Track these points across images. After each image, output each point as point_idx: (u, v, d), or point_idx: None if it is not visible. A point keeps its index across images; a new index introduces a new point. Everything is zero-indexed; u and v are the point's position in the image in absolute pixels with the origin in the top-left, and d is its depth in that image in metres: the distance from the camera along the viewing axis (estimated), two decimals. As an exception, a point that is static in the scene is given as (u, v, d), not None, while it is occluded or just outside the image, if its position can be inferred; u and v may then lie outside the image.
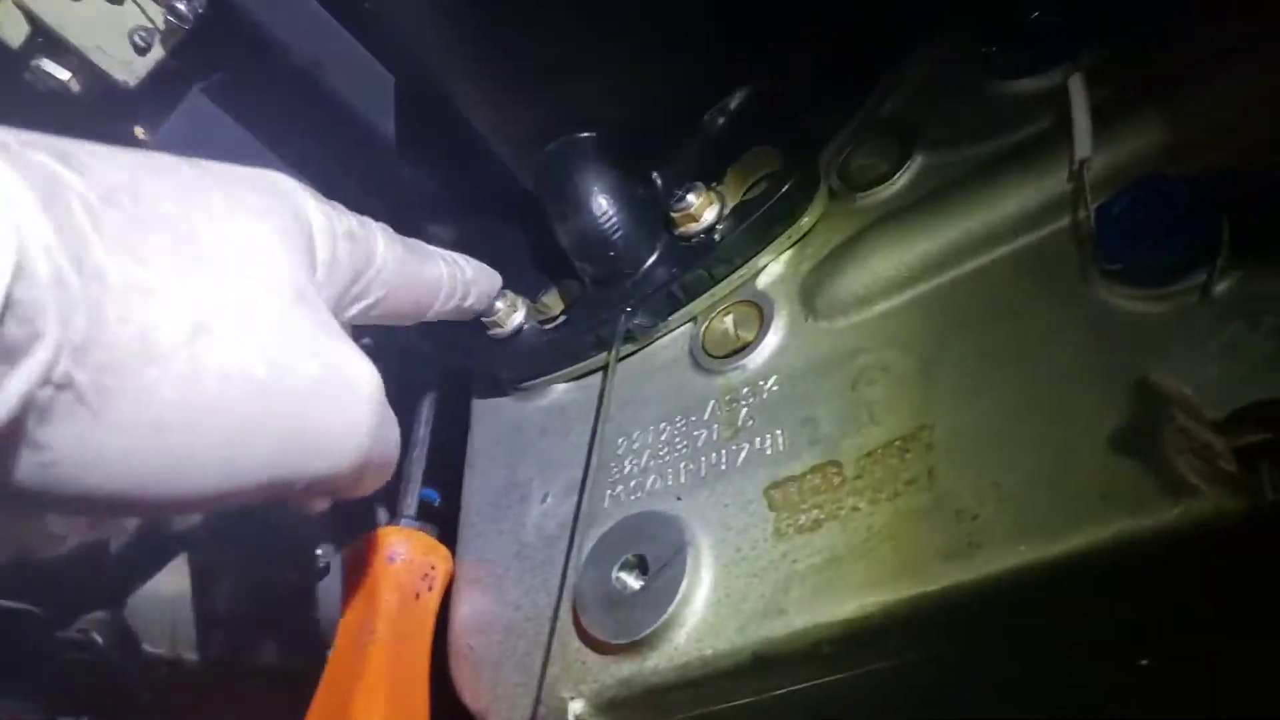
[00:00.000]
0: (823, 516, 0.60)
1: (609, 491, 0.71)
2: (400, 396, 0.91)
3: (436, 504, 1.01)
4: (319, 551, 1.06)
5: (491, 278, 0.78)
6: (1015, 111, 0.67)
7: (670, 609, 0.60)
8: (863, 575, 0.56)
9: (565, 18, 0.71)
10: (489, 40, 0.71)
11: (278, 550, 1.05)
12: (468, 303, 0.75)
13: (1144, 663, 0.55)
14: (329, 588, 1.07)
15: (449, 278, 0.72)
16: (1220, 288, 0.51)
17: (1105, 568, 0.49)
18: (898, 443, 0.59)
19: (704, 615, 0.60)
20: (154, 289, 0.44)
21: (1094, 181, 0.59)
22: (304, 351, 0.51)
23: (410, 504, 0.82)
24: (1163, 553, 0.48)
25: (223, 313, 0.47)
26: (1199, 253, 0.52)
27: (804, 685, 0.59)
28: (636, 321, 0.77)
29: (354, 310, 0.62)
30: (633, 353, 0.79)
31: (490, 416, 0.86)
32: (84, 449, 0.42)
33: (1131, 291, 0.54)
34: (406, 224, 0.91)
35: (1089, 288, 0.56)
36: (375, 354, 1.02)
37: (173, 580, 1.00)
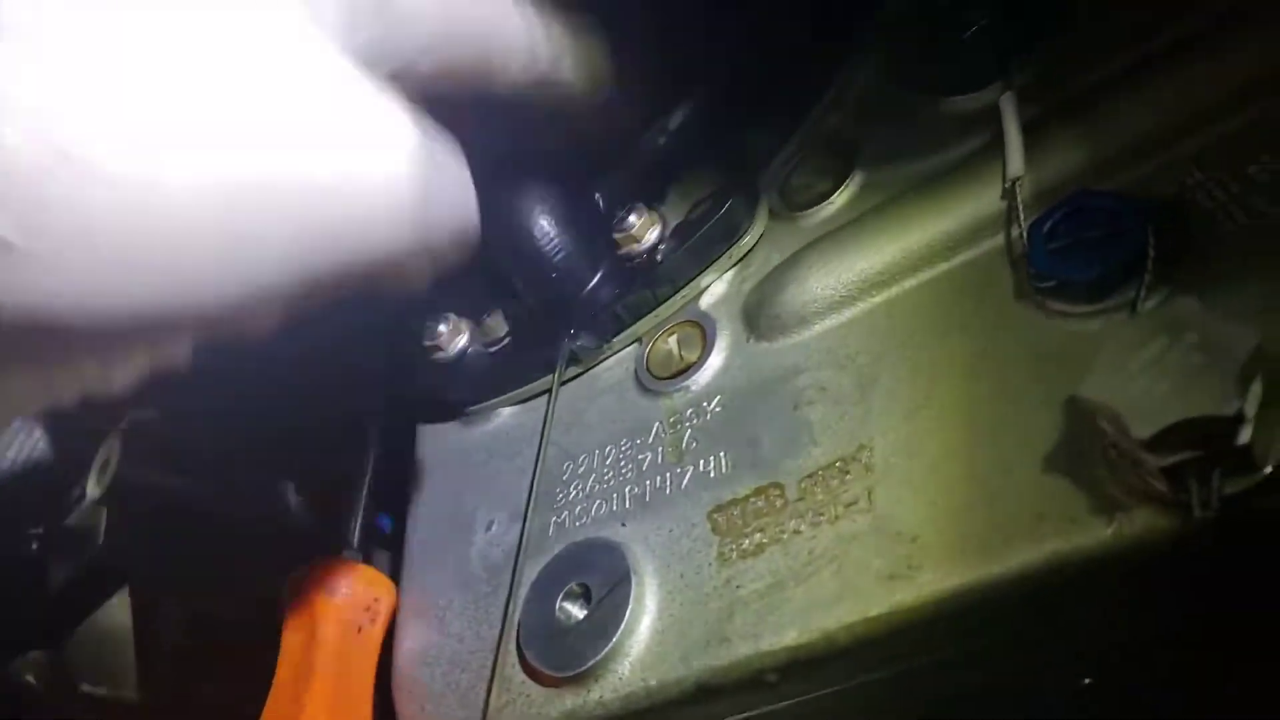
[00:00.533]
0: (765, 540, 0.59)
1: (554, 519, 0.70)
2: (346, 422, 0.91)
3: (388, 531, 0.99)
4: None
5: (595, 56, 0.60)
6: (951, 129, 0.68)
7: (614, 639, 0.59)
8: (804, 600, 0.55)
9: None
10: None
11: (222, 580, 1.03)
12: (558, 74, 0.57)
13: (1087, 681, 0.55)
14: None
15: (525, 33, 0.55)
16: (1150, 304, 0.52)
17: (1043, 587, 0.49)
18: (838, 464, 0.59)
19: (649, 644, 0.59)
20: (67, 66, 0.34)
21: (1026, 199, 0.59)
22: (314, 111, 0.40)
23: (354, 534, 0.80)
24: (1098, 571, 0.48)
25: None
26: (1126, 268, 0.52)
27: (751, 713, 0.58)
28: (580, 343, 0.77)
29: (389, 65, 0.47)
30: (578, 375, 0.79)
31: (435, 441, 0.85)
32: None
33: (1065, 307, 0.54)
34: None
35: (1025, 305, 0.57)
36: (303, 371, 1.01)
37: (112, 615, 0.97)
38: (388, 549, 0.98)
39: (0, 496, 1.08)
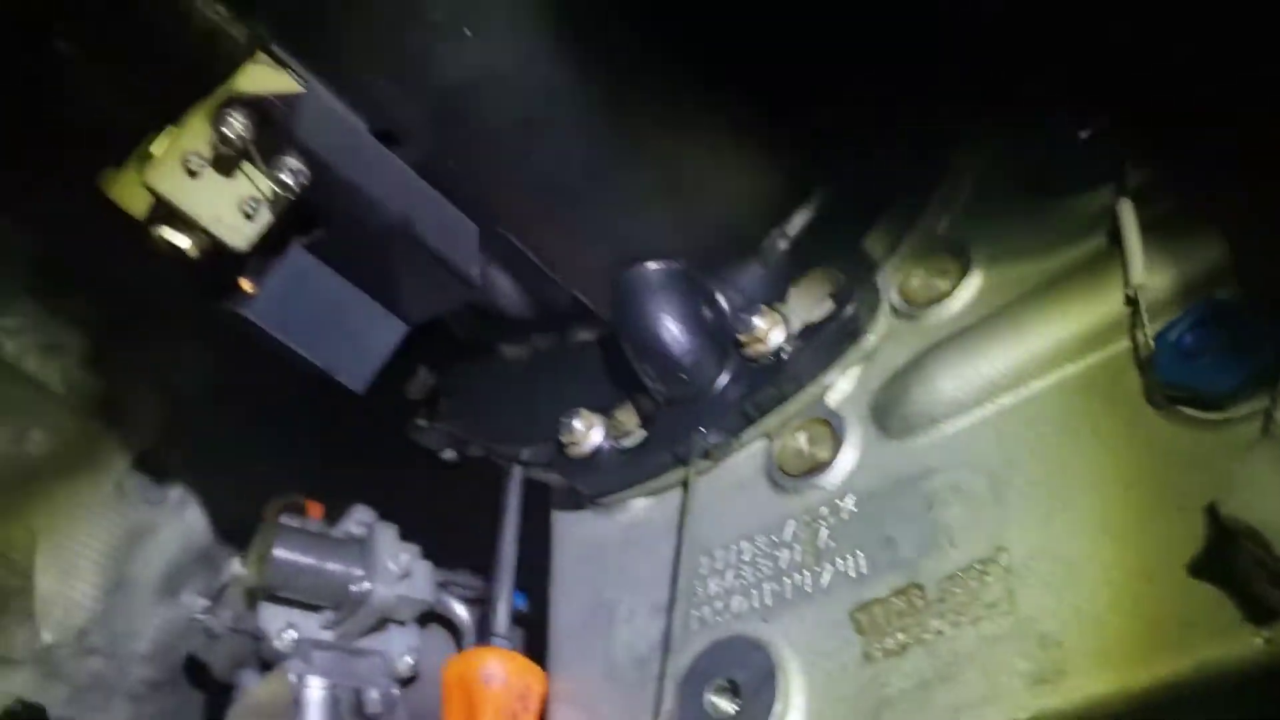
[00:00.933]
0: (908, 640, 0.62)
1: (694, 612, 0.74)
2: (484, 513, 0.97)
3: (524, 609, 1.05)
4: (410, 660, 1.11)
5: None
6: (1067, 230, 0.70)
7: (765, 734, 0.63)
8: (951, 701, 0.58)
9: (635, 166, 0.76)
10: (567, 192, 0.77)
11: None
12: None
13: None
14: (416, 693, 1.12)
15: None
16: (1284, 411, 0.53)
17: (1192, 695, 0.51)
18: (976, 565, 0.61)
19: (798, 739, 0.63)
20: None
21: (1150, 304, 0.61)
22: None
23: (502, 622, 0.86)
24: (1251, 681, 0.49)
25: None
26: (1257, 377, 0.54)
27: (900, 808, 0.60)
28: (710, 440, 0.81)
29: None
30: (709, 469, 0.83)
31: (572, 531, 0.90)
32: None
33: (1195, 414, 0.57)
34: (485, 346, 0.97)
35: (1155, 410, 0.59)
36: (458, 470, 1.08)
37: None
38: (522, 625, 1.04)
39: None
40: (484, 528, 0.99)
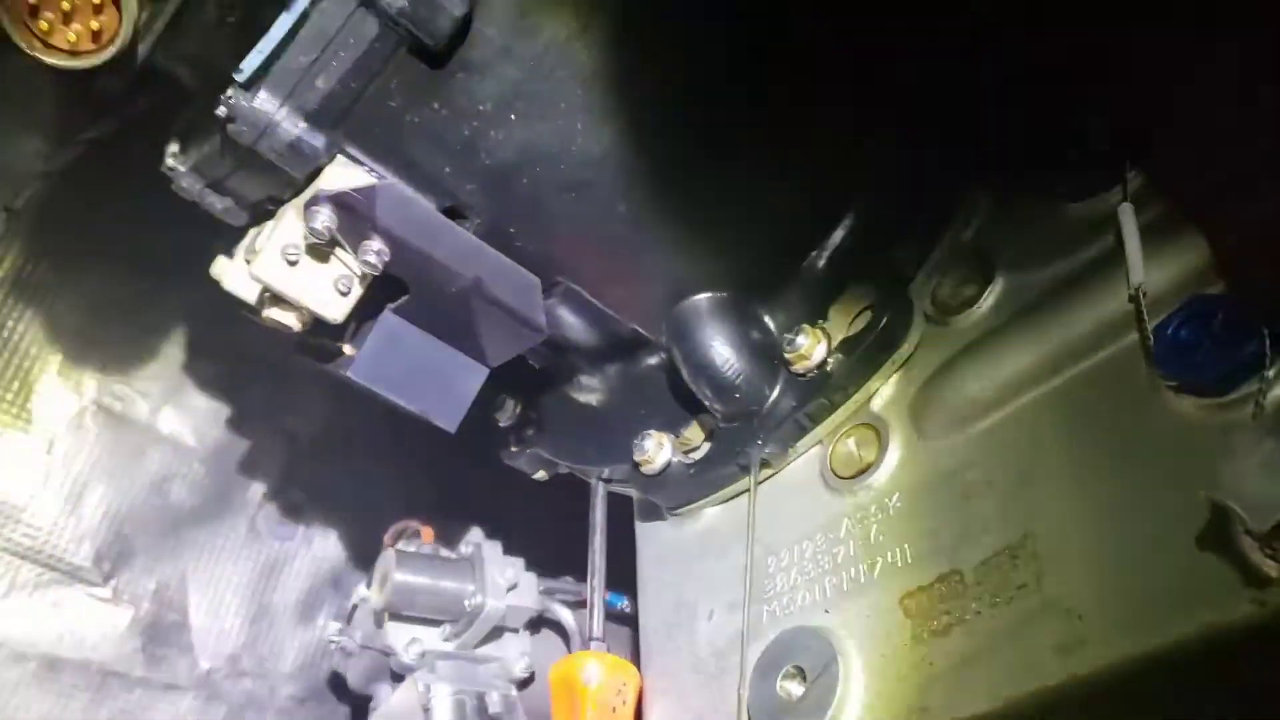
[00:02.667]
0: (951, 621, 0.69)
1: (765, 608, 0.82)
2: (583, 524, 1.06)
3: (624, 609, 1.15)
4: (524, 664, 1.22)
5: None
6: (1078, 233, 0.75)
7: (829, 712, 0.71)
8: (991, 674, 0.64)
9: (677, 210, 0.84)
10: (616, 240, 0.86)
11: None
12: None
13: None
14: (532, 693, 1.23)
15: None
16: (1276, 393, 0.58)
17: (1201, 655, 0.56)
18: (1008, 550, 0.68)
19: (859, 716, 0.70)
20: None
21: (1150, 301, 0.67)
22: None
23: (597, 627, 0.95)
24: (1252, 641, 0.55)
25: None
26: (1248, 366, 0.59)
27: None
28: (768, 450, 0.88)
29: None
30: (770, 476, 0.90)
31: (653, 540, 0.99)
32: None
33: (1193, 401, 0.62)
34: (562, 376, 1.07)
35: (1158, 399, 0.64)
36: (547, 487, 1.18)
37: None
38: (624, 623, 1.13)
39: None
40: (584, 538, 1.09)
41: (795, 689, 0.75)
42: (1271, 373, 0.58)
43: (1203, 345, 0.61)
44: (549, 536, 1.26)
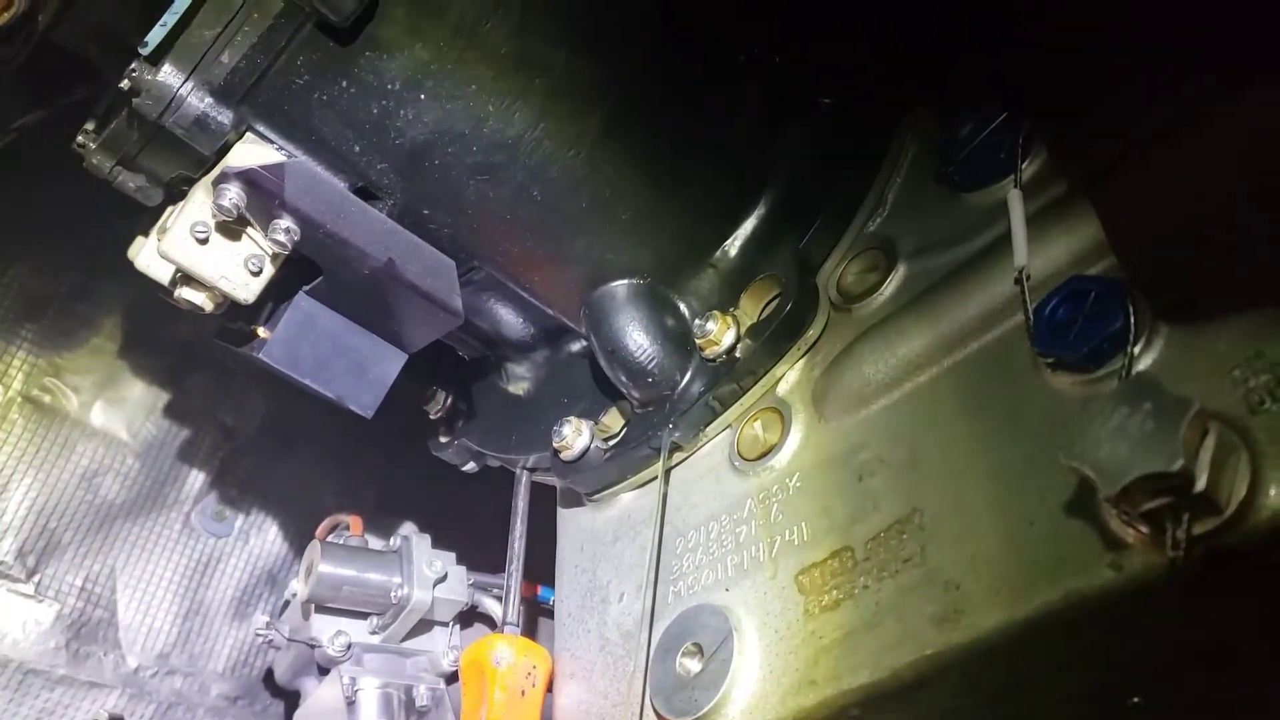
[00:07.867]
0: (840, 596, 0.70)
1: (671, 588, 0.83)
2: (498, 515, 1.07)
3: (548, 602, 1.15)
4: (453, 657, 1.22)
5: None
6: (973, 221, 0.78)
7: (723, 688, 0.71)
8: (874, 645, 0.66)
9: (593, 195, 0.85)
10: (533, 225, 0.87)
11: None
12: None
13: (1136, 700, 0.63)
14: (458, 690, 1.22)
15: None
16: (1143, 365, 0.60)
17: (1067, 621, 0.58)
18: (895, 526, 0.69)
19: (752, 691, 0.71)
20: None
21: (1034, 283, 0.68)
22: None
23: (511, 611, 0.96)
24: (1111, 604, 0.56)
25: None
26: (1114, 342, 0.61)
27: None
28: (679, 434, 0.89)
29: None
30: (682, 460, 0.91)
31: (572, 525, 1.00)
32: None
33: (1067, 378, 0.64)
34: (491, 367, 1.07)
35: (1037, 378, 0.66)
36: (474, 478, 1.18)
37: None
38: (551, 616, 1.13)
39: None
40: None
41: (694, 666, 0.75)
42: (1137, 348, 0.60)
43: (1076, 323, 0.63)
44: (495, 531, 1.26)
